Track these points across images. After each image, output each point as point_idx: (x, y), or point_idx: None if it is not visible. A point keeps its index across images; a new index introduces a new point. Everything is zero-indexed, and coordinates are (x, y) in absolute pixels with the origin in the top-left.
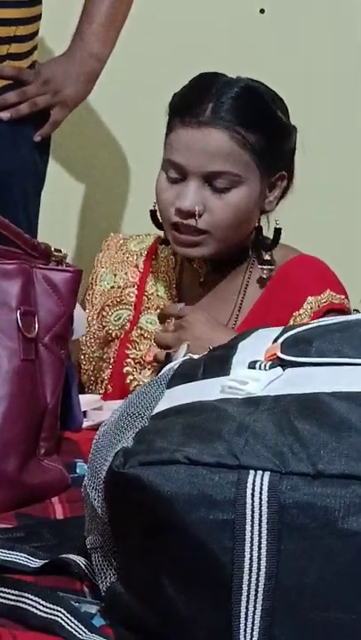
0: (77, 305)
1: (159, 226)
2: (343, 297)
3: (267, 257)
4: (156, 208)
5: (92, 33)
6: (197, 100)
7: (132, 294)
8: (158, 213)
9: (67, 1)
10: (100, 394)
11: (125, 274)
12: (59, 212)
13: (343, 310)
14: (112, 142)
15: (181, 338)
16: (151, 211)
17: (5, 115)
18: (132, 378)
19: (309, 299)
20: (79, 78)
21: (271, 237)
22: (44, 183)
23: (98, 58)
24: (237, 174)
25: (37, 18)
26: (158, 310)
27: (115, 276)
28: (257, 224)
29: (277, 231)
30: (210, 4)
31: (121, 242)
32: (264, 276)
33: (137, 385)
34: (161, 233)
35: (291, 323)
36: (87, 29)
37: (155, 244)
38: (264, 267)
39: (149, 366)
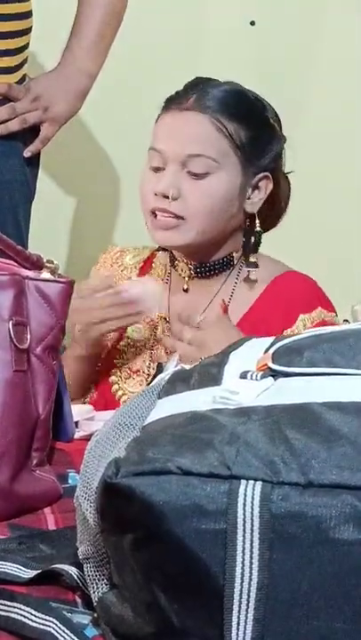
0: (152, 280)
1: None
2: (333, 314)
3: (252, 259)
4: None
5: (83, 49)
6: (183, 92)
7: None
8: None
9: (57, 14)
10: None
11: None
12: (49, 224)
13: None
14: (103, 155)
15: (198, 354)
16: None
17: None
18: (117, 387)
19: (301, 316)
20: (69, 95)
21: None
22: (35, 195)
23: (88, 74)
24: (214, 159)
25: (27, 31)
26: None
27: None
28: (244, 226)
29: (258, 234)
30: (201, 16)
31: (118, 254)
32: (252, 277)
33: (122, 394)
34: (157, 245)
35: None
36: (77, 45)
37: (151, 257)
38: (250, 269)
39: (135, 375)
